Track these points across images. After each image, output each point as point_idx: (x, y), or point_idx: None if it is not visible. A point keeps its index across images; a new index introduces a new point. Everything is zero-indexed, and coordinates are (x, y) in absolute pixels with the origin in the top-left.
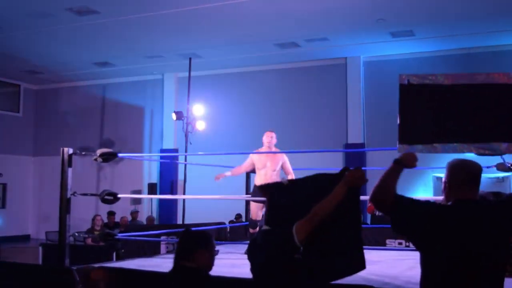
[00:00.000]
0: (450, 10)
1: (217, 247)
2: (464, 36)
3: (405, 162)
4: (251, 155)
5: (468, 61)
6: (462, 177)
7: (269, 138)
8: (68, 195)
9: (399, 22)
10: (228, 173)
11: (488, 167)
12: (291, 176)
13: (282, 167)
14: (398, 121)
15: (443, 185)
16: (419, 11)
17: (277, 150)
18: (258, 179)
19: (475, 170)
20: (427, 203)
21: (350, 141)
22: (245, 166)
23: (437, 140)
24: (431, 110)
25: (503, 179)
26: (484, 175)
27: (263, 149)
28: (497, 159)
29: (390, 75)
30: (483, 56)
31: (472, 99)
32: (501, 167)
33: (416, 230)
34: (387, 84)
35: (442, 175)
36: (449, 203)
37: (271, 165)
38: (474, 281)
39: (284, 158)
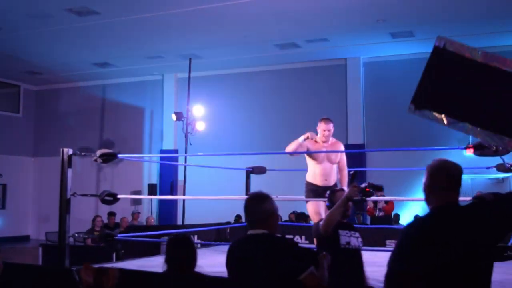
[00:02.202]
0: (450, 11)
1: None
2: (464, 37)
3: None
4: (306, 143)
5: None
6: (443, 180)
7: (323, 131)
8: (68, 196)
9: (399, 23)
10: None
11: (488, 167)
12: (346, 171)
13: (339, 162)
14: (419, 81)
15: (423, 188)
16: (419, 12)
17: (337, 141)
18: (313, 176)
19: (456, 173)
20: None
21: (350, 141)
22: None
23: (449, 114)
24: (455, 82)
25: (503, 180)
26: (484, 176)
27: (320, 140)
28: (497, 160)
29: (390, 75)
30: None
31: (498, 85)
32: (501, 167)
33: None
34: (387, 84)
35: None
36: (429, 210)
37: (331, 159)
38: None
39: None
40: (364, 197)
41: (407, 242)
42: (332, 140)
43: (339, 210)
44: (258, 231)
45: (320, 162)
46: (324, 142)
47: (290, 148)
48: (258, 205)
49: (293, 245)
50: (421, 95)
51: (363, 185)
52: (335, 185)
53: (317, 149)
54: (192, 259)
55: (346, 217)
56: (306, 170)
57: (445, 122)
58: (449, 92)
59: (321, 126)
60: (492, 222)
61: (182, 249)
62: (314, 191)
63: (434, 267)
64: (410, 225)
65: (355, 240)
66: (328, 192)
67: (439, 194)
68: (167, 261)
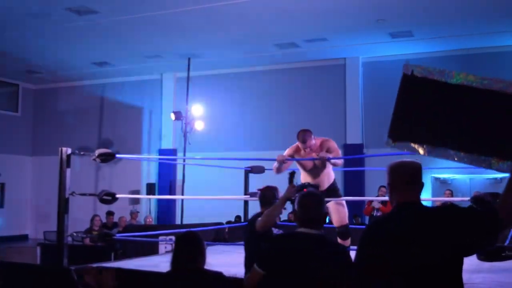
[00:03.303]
0: (449, 11)
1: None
2: (463, 37)
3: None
4: (289, 151)
5: (467, 62)
6: (403, 178)
7: (301, 145)
8: (67, 195)
9: (398, 22)
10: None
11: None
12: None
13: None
14: (392, 112)
15: (387, 188)
16: (418, 12)
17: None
18: (305, 181)
19: (414, 170)
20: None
21: (349, 141)
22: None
23: (429, 142)
24: (430, 108)
25: (501, 180)
26: (482, 176)
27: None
28: None
29: (389, 75)
30: (482, 57)
31: (475, 104)
32: None
33: None
34: (386, 84)
35: (441, 175)
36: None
37: (319, 162)
38: None
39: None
40: None
41: (367, 242)
42: (318, 142)
43: (279, 210)
44: (312, 231)
45: (309, 169)
46: (310, 151)
47: (274, 170)
48: (317, 204)
49: (346, 251)
50: (396, 127)
51: (301, 184)
52: (331, 186)
53: (304, 156)
54: (201, 256)
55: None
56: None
57: (423, 152)
58: (425, 120)
59: (300, 145)
60: (458, 230)
61: (191, 246)
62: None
63: (397, 267)
64: (369, 226)
65: None
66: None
67: (399, 192)
68: (174, 258)
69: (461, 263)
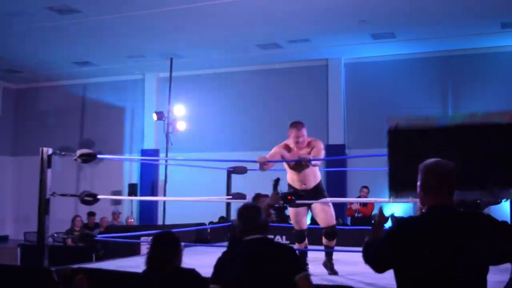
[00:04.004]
0: (430, 13)
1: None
2: (444, 38)
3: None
4: (278, 149)
5: (448, 64)
6: (433, 180)
7: (294, 138)
8: (47, 196)
9: (380, 24)
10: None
11: None
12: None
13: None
14: (388, 168)
15: (418, 190)
16: (400, 14)
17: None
18: (291, 181)
19: (449, 171)
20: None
21: (331, 142)
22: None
23: None
24: (421, 154)
25: None
26: None
27: (291, 144)
28: None
29: (371, 76)
30: (463, 58)
31: (465, 141)
32: None
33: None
34: (368, 85)
35: None
36: (423, 211)
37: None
38: None
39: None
40: (285, 204)
41: (391, 243)
42: (306, 141)
43: None
44: (257, 236)
45: (294, 167)
46: (297, 149)
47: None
48: (256, 215)
49: (291, 248)
50: (395, 180)
51: (285, 192)
52: (317, 186)
53: (292, 155)
54: (177, 255)
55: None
56: (285, 170)
57: None
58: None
59: (292, 133)
60: (489, 240)
61: (167, 246)
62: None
63: (420, 270)
64: (397, 228)
65: None
66: (254, 194)
67: (432, 193)
68: (150, 258)
69: (486, 271)
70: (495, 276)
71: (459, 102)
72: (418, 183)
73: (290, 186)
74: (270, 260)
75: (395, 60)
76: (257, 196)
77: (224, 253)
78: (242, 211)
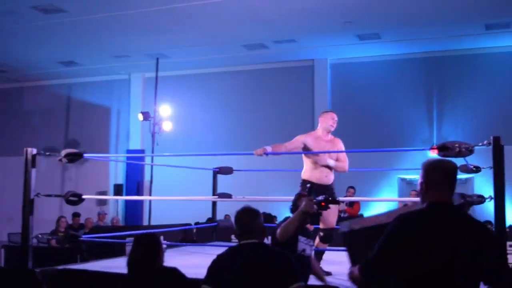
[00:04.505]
0: (416, 14)
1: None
2: (429, 39)
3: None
4: (303, 138)
5: (433, 64)
6: (438, 177)
7: (334, 121)
8: (32, 196)
9: (366, 25)
10: (269, 148)
11: None
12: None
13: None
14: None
15: (419, 187)
16: (386, 15)
17: (335, 138)
18: (313, 174)
19: (451, 170)
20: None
21: None
22: (289, 148)
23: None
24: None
25: (465, 180)
26: None
27: (322, 135)
28: (460, 161)
29: (357, 77)
30: (448, 59)
31: None
32: (464, 168)
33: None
34: (353, 86)
35: (407, 176)
36: (423, 206)
37: (332, 155)
38: None
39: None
40: (319, 211)
41: (392, 238)
42: (330, 136)
43: (295, 224)
44: (251, 241)
45: (320, 160)
46: (328, 133)
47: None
48: (252, 219)
49: (286, 256)
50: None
51: (320, 198)
52: (333, 183)
53: (320, 145)
54: (159, 256)
55: (302, 228)
56: (271, 170)
57: None
58: None
59: (330, 116)
60: (479, 252)
61: (148, 247)
62: (315, 190)
63: (417, 270)
64: (398, 223)
65: (309, 248)
66: (309, 185)
67: (433, 191)
68: (132, 259)
69: (479, 276)
70: None
71: (444, 102)
72: (421, 181)
73: (306, 181)
74: (264, 267)
75: (380, 61)
76: (299, 196)
77: (219, 256)
78: (238, 214)
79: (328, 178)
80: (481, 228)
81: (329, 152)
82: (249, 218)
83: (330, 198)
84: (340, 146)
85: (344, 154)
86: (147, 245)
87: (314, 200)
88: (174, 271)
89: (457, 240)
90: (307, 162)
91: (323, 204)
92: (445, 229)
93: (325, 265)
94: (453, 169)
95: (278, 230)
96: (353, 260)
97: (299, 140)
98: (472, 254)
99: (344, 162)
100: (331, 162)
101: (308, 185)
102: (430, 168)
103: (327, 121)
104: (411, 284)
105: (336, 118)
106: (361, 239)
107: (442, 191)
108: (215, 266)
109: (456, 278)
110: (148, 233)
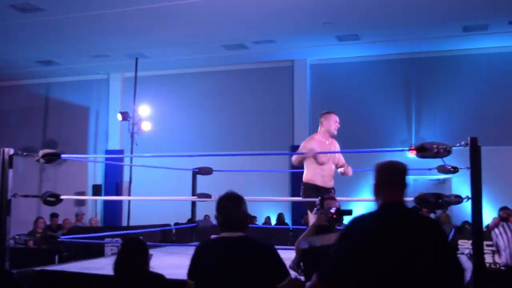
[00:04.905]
0: (395, 16)
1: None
2: (408, 41)
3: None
4: (311, 143)
5: (411, 66)
6: (390, 178)
7: (337, 124)
8: (9, 197)
9: (345, 26)
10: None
11: (429, 169)
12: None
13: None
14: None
15: (372, 188)
16: (365, 16)
17: (334, 140)
18: (316, 177)
19: (401, 170)
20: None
21: (296, 143)
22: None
23: None
24: None
25: (443, 181)
26: (425, 177)
27: (323, 137)
28: (438, 162)
29: (336, 78)
30: (426, 61)
31: None
32: (442, 169)
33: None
34: (333, 86)
35: None
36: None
37: (335, 159)
38: None
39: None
40: (331, 225)
41: (346, 239)
42: (331, 139)
43: (308, 236)
44: (235, 234)
45: (326, 163)
46: (332, 135)
47: (296, 161)
48: (235, 206)
49: (273, 250)
50: None
51: (332, 210)
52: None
53: (325, 148)
54: (145, 261)
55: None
56: (251, 171)
57: None
58: None
59: (334, 120)
60: (427, 251)
61: (135, 251)
62: (318, 191)
63: (372, 271)
64: (351, 224)
65: None
66: (319, 198)
67: (385, 192)
68: (118, 261)
69: (436, 277)
70: None
71: (422, 103)
72: (373, 182)
73: (311, 185)
74: (251, 262)
75: (360, 62)
76: (322, 200)
77: (201, 247)
78: (221, 201)
79: (332, 181)
80: (432, 226)
81: (331, 152)
82: (232, 205)
83: (341, 210)
84: (339, 148)
85: (343, 159)
86: (135, 248)
87: (326, 214)
88: (160, 278)
89: (409, 239)
90: (310, 166)
91: (334, 216)
92: (398, 228)
93: None
94: (403, 169)
95: (296, 244)
96: (309, 277)
97: (309, 147)
98: (425, 252)
99: (345, 165)
100: (350, 172)
101: (318, 198)
102: (380, 170)
103: (330, 124)
104: (367, 286)
105: (338, 120)
106: (320, 257)
107: (394, 191)
108: (197, 259)
109: (411, 277)
110: (136, 236)
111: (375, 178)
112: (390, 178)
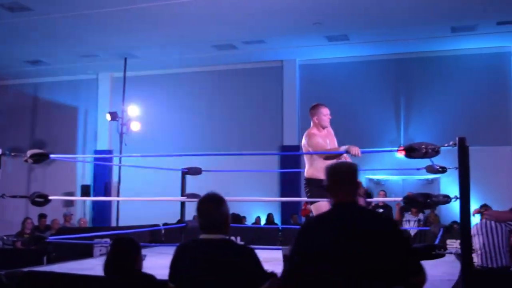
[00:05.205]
0: (383, 17)
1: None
2: (397, 41)
3: None
4: (317, 138)
5: (400, 66)
6: (340, 179)
7: (327, 116)
8: None
9: (335, 26)
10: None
11: (418, 169)
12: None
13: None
14: None
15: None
16: (354, 16)
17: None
18: (321, 172)
19: (351, 171)
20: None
21: (286, 143)
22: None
23: None
24: None
25: (432, 180)
26: (414, 177)
27: (318, 130)
28: (426, 162)
29: (326, 78)
30: (414, 61)
31: None
32: (430, 169)
33: None
34: (322, 87)
35: (375, 176)
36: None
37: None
38: None
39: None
40: None
41: (302, 242)
42: (326, 129)
43: None
44: (215, 236)
45: (329, 156)
46: (325, 127)
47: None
48: (216, 208)
49: (252, 253)
50: None
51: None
52: None
53: (324, 140)
54: (136, 261)
55: None
56: (240, 171)
57: None
58: None
59: (323, 111)
60: (382, 250)
61: (126, 250)
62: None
63: (328, 272)
64: (305, 225)
65: None
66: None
67: (337, 192)
68: (109, 261)
69: (390, 278)
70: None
71: (411, 103)
72: (325, 184)
73: (316, 180)
74: (230, 265)
75: (349, 62)
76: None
77: (181, 249)
78: (201, 202)
79: None
80: (386, 223)
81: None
82: (212, 206)
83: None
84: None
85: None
86: (126, 248)
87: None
88: (151, 278)
89: (363, 237)
90: (317, 161)
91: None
92: (350, 227)
93: None
94: (352, 169)
95: None
96: None
97: (321, 143)
98: (380, 248)
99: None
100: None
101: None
102: (330, 172)
103: (320, 118)
104: (326, 285)
105: (328, 112)
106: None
107: (344, 191)
108: (177, 261)
109: (367, 274)
110: (127, 236)
111: (326, 180)
112: (339, 179)
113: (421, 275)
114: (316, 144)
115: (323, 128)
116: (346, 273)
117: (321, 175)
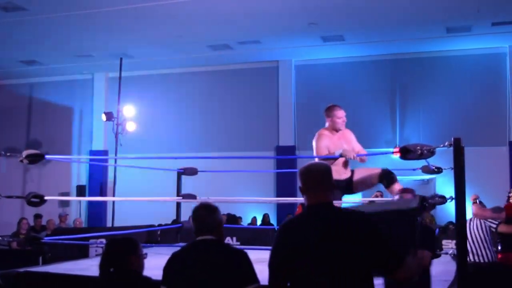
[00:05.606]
0: (379, 17)
1: (148, 249)
2: (392, 42)
3: None
4: (325, 143)
5: (396, 66)
6: (314, 180)
7: (341, 120)
8: None
9: (330, 27)
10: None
11: (413, 169)
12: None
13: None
14: None
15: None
16: (349, 17)
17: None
18: (335, 171)
19: (325, 172)
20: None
21: (282, 143)
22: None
23: None
24: None
25: (427, 181)
26: (410, 178)
27: (335, 132)
28: (422, 162)
29: (321, 78)
30: (410, 62)
31: None
32: (426, 169)
33: None
34: (318, 87)
35: None
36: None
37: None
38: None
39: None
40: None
41: (280, 243)
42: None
43: None
44: (208, 237)
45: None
46: (338, 130)
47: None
48: (209, 214)
49: (245, 256)
50: None
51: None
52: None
53: (335, 142)
54: (132, 262)
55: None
56: (236, 171)
57: None
58: None
59: (337, 114)
60: (363, 248)
61: (122, 250)
62: (340, 188)
63: (307, 274)
64: (282, 227)
65: None
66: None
67: (312, 193)
68: (104, 261)
69: (370, 276)
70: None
71: (406, 104)
72: (299, 186)
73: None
74: (220, 264)
75: (344, 62)
76: (403, 191)
77: (174, 254)
78: (195, 210)
79: (347, 172)
80: (362, 222)
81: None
82: (205, 213)
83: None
84: (352, 135)
85: (359, 144)
86: (120, 248)
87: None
88: (146, 280)
89: (339, 236)
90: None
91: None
92: (332, 227)
93: None
94: (325, 170)
95: None
96: None
97: (324, 146)
98: (357, 248)
99: (363, 150)
100: (363, 158)
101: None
102: (303, 173)
103: (333, 121)
104: (306, 285)
105: (343, 115)
106: None
107: (318, 192)
108: (170, 264)
109: (347, 272)
110: (126, 236)
111: (300, 182)
112: (312, 180)
113: (402, 270)
114: (319, 146)
115: (337, 131)
116: (330, 273)
117: (335, 174)
